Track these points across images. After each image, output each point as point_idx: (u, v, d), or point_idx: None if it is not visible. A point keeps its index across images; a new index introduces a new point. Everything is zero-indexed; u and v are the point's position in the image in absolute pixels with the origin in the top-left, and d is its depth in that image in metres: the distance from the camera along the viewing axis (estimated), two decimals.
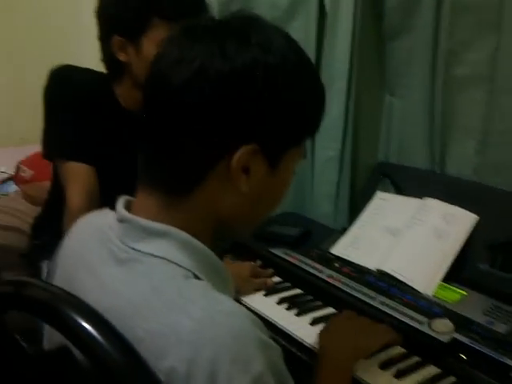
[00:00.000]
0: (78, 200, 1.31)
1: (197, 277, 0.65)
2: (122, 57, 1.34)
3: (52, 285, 0.67)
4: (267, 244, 1.45)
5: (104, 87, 1.41)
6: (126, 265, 0.66)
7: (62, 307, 0.62)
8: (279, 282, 1.36)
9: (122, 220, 0.70)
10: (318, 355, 1.01)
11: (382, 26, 1.51)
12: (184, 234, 0.67)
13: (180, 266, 0.65)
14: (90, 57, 2.54)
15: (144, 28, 1.30)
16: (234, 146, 0.65)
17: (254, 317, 0.63)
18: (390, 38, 1.51)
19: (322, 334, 1.06)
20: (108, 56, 1.37)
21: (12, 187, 2.14)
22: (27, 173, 2.06)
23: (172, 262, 0.65)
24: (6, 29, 2.59)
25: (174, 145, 0.66)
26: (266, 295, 1.28)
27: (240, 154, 0.65)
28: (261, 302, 1.25)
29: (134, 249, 0.67)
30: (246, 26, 0.67)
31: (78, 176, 1.34)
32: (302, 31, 1.63)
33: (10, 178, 2.20)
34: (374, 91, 1.56)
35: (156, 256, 0.65)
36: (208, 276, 0.67)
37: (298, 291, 1.31)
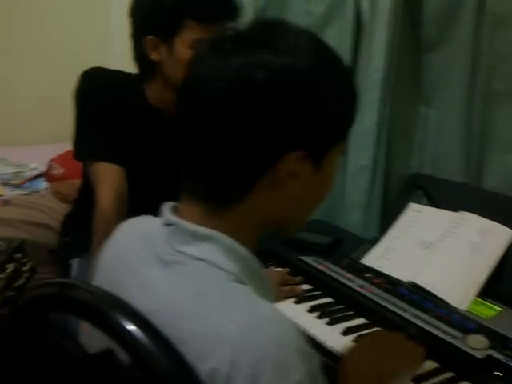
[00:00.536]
0: (108, 201, 1.32)
1: (240, 281, 0.66)
2: (154, 56, 1.34)
3: (96, 287, 0.68)
4: (296, 251, 1.45)
5: (134, 88, 1.42)
6: (171, 267, 0.67)
7: (107, 309, 0.63)
8: (309, 290, 1.35)
9: (168, 223, 0.71)
10: (340, 364, 0.98)
11: (419, 37, 1.50)
12: (229, 240, 0.68)
13: (224, 269, 0.66)
14: (119, 56, 2.58)
15: (177, 28, 1.30)
16: (279, 153, 0.66)
17: (295, 325, 0.63)
18: (428, 49, 1.50)
19: (350, 349, 1.03)
20: (140, 55, 1.38)
21: (42, 184, 2.16)
22: (58, 170, 2.08)
23: (216, 266, 0.66)
24: (37, 29, 2.62)
25: (218, 158, 0.66)
26: (296, 303, 1.28)
27: (287, 162, 0.66)
28: (291, 310, 1.24)
29: (179, 251, 0.67)
30: (272, 34, 0.67)
31: (108, 177, 1.35)
32: (337, 39, 1.62)
33: (41, 175, 2.23)
34: (409, 102, 1.55)
35: (201, 259, 0.66)
36: (251, 281, 0.67)
37: (328, 300, 1.30)
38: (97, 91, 1.38)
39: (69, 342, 0.66)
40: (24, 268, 0.90)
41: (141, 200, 1.41)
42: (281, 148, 0.65)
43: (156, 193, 1.48)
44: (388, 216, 1.53)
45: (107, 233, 1.34)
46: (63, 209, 1.80)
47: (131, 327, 0.60)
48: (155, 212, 1.50)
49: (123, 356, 0.62)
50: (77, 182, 1.84)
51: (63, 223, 1.66)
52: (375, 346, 0.99)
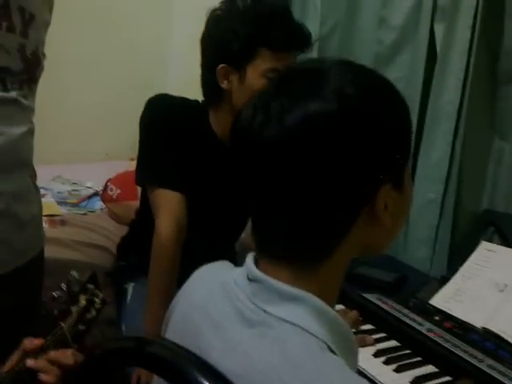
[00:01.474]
0: (168, 228, 1.32)
1: (331, 349, 0.61)
2: (224, 84, 1.33)
3: (174, 343, 0.64)
4: (360, 288, 1.39)
5: (200, 116, 1.42)
6: (256, 328, 0.62)
7: (186, 367, 0.59)
8: (372, 330, 1.28)
9: (252, 279, 0.66)
10: None
11: (496, 67, 1.43)
12: (319, 302, 0.63)
13: (315, 336, 0.61)
14: (175, 75, 2.59)
15: (251, 58, 1.30)
16: (374, 192, 0.63)
17: None
18: (505, 81, 1.43)
19: None
20: (210, 83, 1.36)
21: (98, 204, 2.16)
22: (114, 191, 2.08)
23: (306, 331, 0.61)
24: (96, 48, 2.65)
25: (305, 216, 0.62)
26: (361, 346, 1.22)
27: (381, 197, 0.63)
28: None
29: (264, 311, 0.62)
30: (321, 77, 0.63)
31: (169, 204, 1.34)
32: (408, 68, 1.57)
33: (96, 194, 2.23)
34: (483, 135, 1.48)
35: (289, 322, 0.61)
36: (340, 349, 0.62)
37: (394, 343, 1.23)
38: (162, 119, 1.38)
39: None
40: (96, 300, 0.87)
41: (200, 229, 1.39)
42: (374, 185, 0.63)
43: (216, 222, 1.47)
44: (456, 253, 1.46)
45: (165, 259, 1.33)
46: (120, 231, 1.79)
47: None
48: (213, 243, 1.45)
49: None
50: (132, 204, 1.84)
51: (119, 246, 1.65)
52: None
